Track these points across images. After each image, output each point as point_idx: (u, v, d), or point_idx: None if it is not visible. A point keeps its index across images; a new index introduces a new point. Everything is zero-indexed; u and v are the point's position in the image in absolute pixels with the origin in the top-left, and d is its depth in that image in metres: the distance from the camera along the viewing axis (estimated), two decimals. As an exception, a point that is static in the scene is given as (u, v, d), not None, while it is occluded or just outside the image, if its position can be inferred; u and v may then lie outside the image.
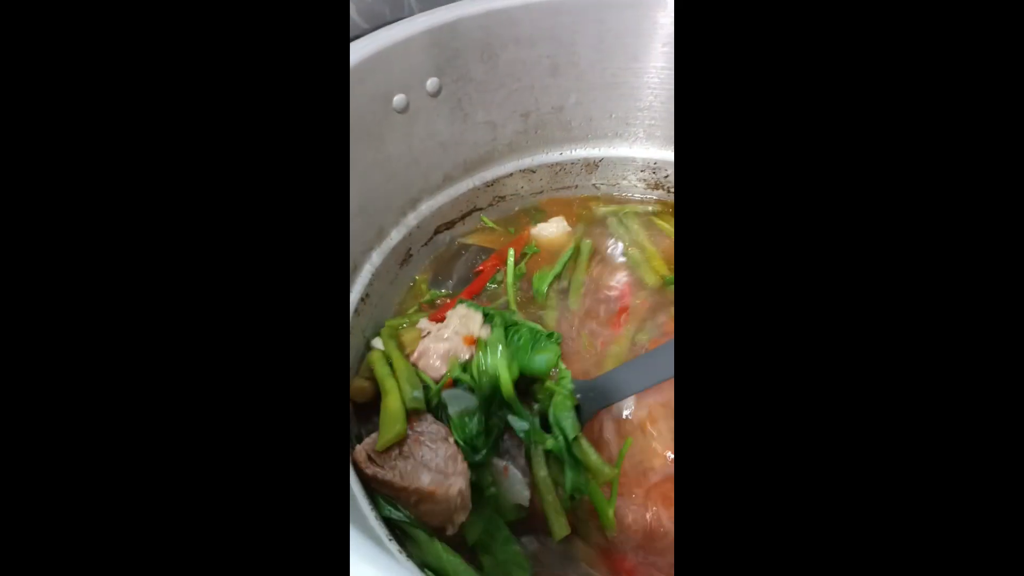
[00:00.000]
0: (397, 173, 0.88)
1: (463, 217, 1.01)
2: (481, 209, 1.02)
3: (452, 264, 0.98)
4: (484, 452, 0.71)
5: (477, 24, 0.85)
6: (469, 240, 1.01)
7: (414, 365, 0.78)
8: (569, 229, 0.99)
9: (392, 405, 0.72)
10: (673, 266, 0.94)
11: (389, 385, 0.74)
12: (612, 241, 0.99)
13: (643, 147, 1.02)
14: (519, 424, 0.73)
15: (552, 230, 0.99)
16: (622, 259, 0.96)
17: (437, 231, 0.98)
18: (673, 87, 0.94)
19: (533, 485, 0.70)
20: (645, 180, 1.05)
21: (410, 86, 0.84)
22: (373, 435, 0.71)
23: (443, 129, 0.90)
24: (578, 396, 0.74)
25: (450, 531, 0.66)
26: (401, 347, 0.81)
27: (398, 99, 0.83)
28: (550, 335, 0.79)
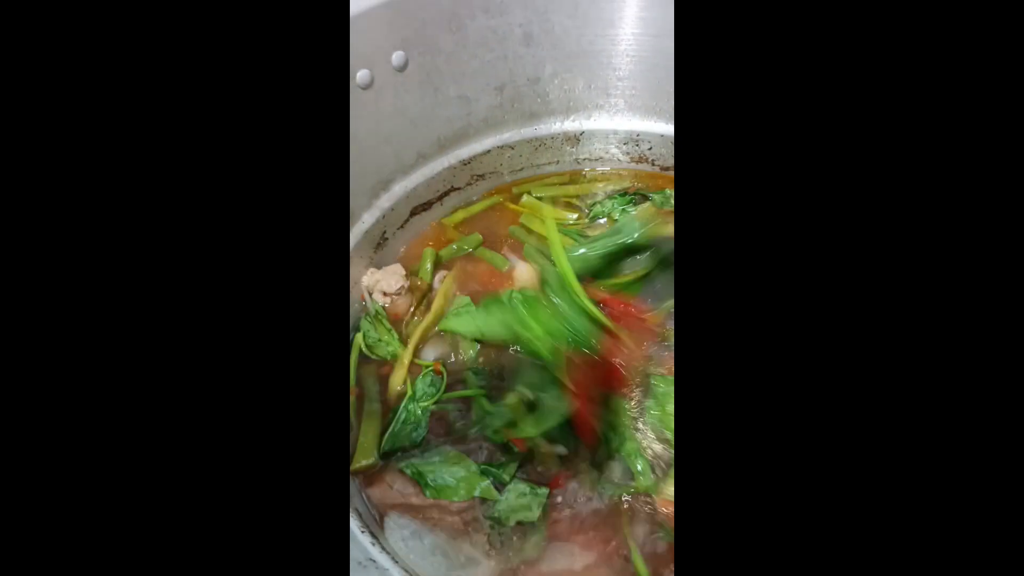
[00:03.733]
0: (366, 153, 0.84)
1: (440, 198, 0.97)
2: (459, 188, 0.99)
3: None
4: None
5: (442, -8, 0.81)
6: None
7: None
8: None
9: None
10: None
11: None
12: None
13: (625, 118, 0.98)
14: None
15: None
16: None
17: (413, 212, 0.95)
18: (649, 55, 0.90)
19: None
20: (628, 153, 1.01)
21: (374, 61, 0.80)
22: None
23: (412, 105, 0.86)
24: None
25: None
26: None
27: (362, 75, 0.79)
28: None
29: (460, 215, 0.96)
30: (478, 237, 0.93)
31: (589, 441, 0.72)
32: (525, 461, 0.72)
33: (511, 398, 0.74)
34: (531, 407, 0.73)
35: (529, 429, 0.71)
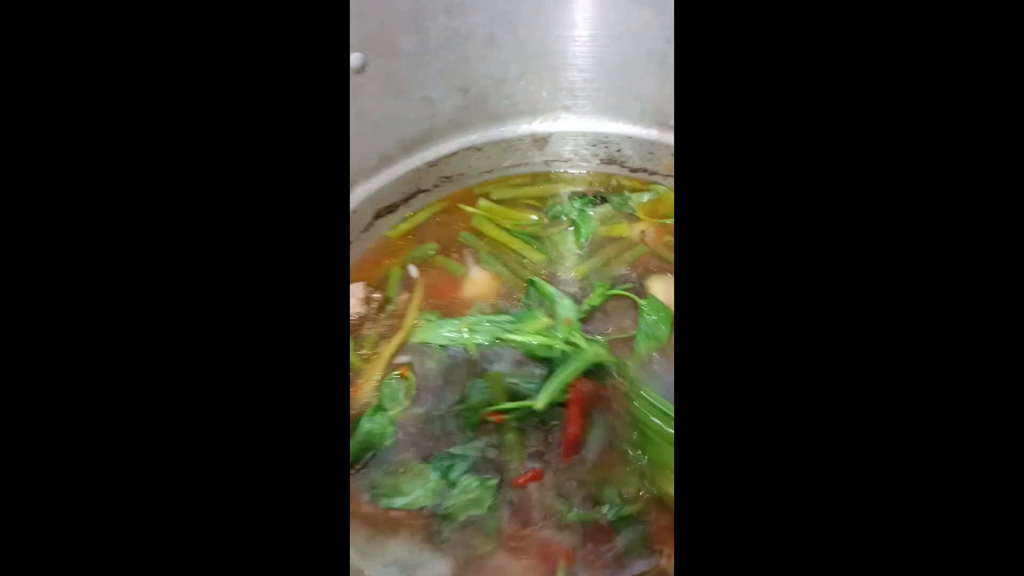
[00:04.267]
0: (325, 155, 0.83)
1: (407, 199, 0.96)
2: (426, 190, 0.98)
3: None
4: None
5: (401, -7, 0.80)
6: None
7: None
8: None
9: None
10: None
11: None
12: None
13: (593, 120, 0.97)
14: None
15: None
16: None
17: (378, 215, 0.94)
18: (612, 56, 0.88)
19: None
20: (598, 155, 1.00)
21: (331, 62, 0.79)
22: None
23: (373, 107, 0.85)
24: None
25: None
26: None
27: (318, 76, 0.78)
28: None
29: (405, 226, 0.95)
30: (433, 245, 0.92)
31: (568, 446, 0.71)
32: (484, 449, 0.71)
33: (492, 374, 0.74)
34: (512, 392, 0.74)
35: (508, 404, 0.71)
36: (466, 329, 0.79)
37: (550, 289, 0.82)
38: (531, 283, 0.84)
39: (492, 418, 0.72)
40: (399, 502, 0.69)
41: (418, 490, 0.69)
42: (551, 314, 0.80)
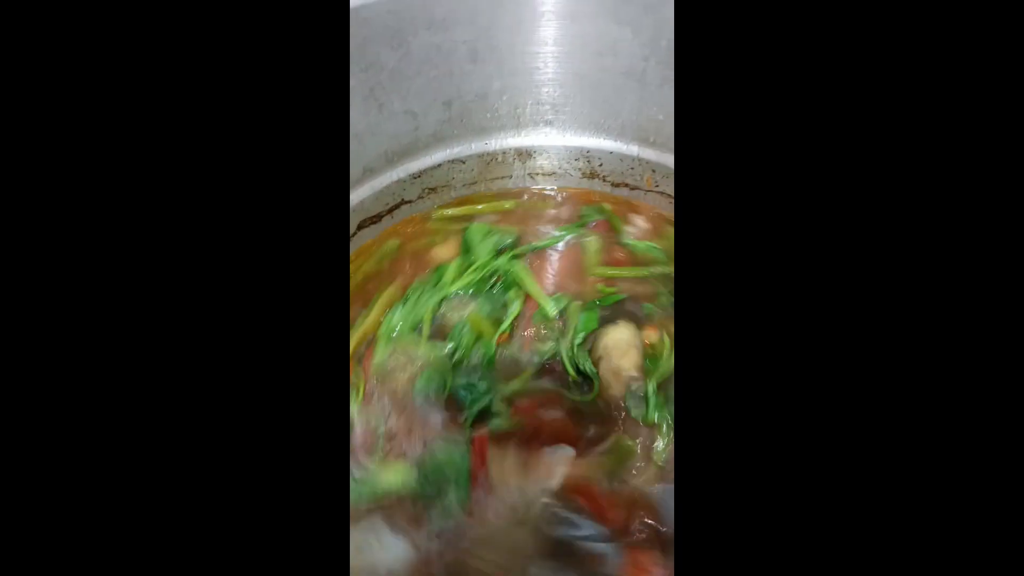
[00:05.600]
0: (307, 167, 0.84)
1: (391, 210, 0.98)
2: (410, 202, 0.99)
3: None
4: None
5: (384, 9, 0.81)
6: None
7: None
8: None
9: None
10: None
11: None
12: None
13: (574, 135, 0.98)
14: None
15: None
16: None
17: (361, 226, 0.95)
18: (592, 72, 0.90)
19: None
20: (580, 168, 1.01)
21: (313, 76, 0.80)
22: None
23: (356, 120, 0.87)
24: None
25: None
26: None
27: (300, 90, 0.79)
28: None
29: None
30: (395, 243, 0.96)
31: None
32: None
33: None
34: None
35: None
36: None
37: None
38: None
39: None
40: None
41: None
42: None
